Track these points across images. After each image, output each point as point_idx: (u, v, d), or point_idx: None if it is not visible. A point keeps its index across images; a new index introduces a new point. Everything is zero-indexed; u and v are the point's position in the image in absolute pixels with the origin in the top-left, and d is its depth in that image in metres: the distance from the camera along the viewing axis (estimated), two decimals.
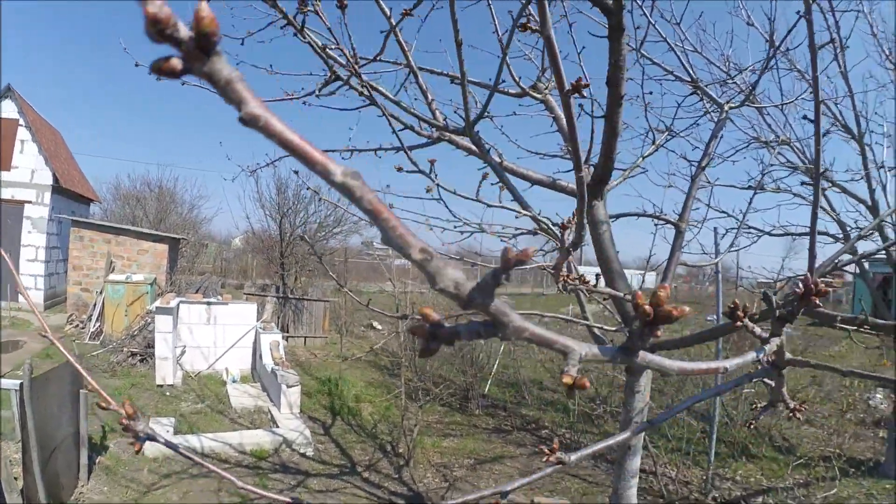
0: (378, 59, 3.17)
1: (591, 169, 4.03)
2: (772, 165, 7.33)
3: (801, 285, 1.11)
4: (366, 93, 3.07)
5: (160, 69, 0.39)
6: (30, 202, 17.81)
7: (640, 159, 4.17)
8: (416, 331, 0.58)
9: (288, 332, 16.00)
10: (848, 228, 7.74)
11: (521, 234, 3.76)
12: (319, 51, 2.93)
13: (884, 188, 7.46)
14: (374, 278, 28.42)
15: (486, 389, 11.86)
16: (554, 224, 4.07)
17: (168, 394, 10.22)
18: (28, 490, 5.02)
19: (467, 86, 2.32)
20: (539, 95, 4.14)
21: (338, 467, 8.01)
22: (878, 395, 11.58)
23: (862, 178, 7.61)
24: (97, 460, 6.96)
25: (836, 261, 3.31)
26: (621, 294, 3.60)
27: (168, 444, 1.06)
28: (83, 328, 14.87)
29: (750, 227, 6.77)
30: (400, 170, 3.16)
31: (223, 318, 12.30)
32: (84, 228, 16.95)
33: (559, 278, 2.28)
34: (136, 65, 3.41)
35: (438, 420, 10.20)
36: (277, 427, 8.87)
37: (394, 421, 9.96)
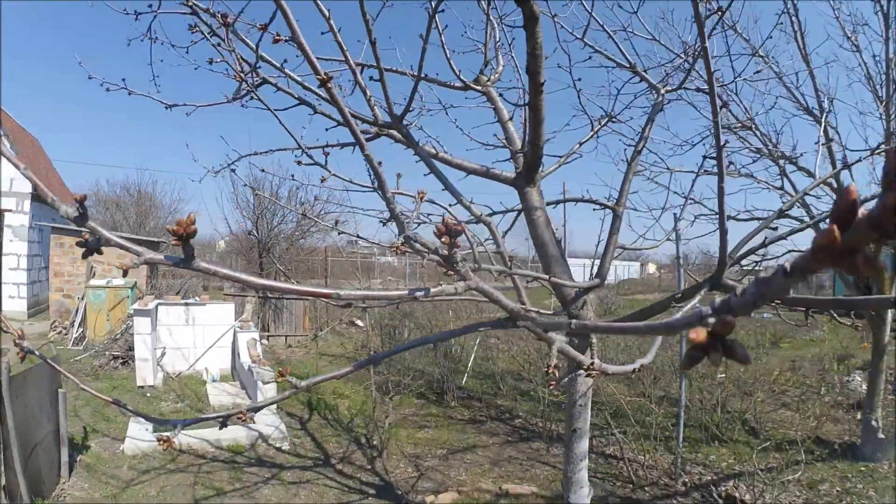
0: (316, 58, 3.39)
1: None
2: (733, 149, 7.54)
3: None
4: (294, 94, 3.29)
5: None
6: (10, 211, 17.92)
7: (577, 146, 4.40)
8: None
9: (269, 331, 16.25)
10: (813, 210, 7.65)
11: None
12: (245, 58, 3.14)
13: (848, 168, 7.26)
14: (360, 276, 28.50)
15: (464, 381, 12.14)
16: (490, 214, 4.36)
17: (149, 395, 10.47)
18: (10, 486, 5.27)
19: (386, 82, 2.52)
20: (480, 87, 4.38)
21: (312, 460, 8.28)
22: (857, 378, 11.70)
23: (826, 159, 7.54)
24: (78, 459, 7.23)
25: (749, 243, 3.52)
26: (547, 277, 3.63)
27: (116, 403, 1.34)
28: (66, 334, 15.05)
29: (712, 211, 6.73)
30: (299, 163, 3.37)
31: (202, 318, 12.54)
32: (65, 235, 17.07)
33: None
34: (90, 77, 3.66)
35: (414, 413, 10.48)
36: (254, 423, 9.13)
37: (369, 415, 10.21)
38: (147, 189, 29.61)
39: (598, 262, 4.07)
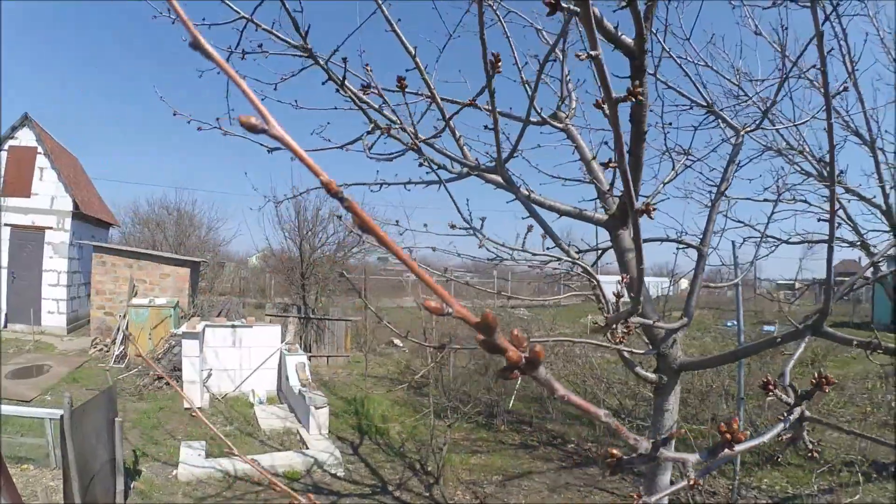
0: (406, 93, 3.28)
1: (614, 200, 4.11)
2: (790, 174, 7.32)
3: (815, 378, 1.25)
4: (409, 143, 3.16)
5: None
6: (50, 228, 18.08)
7: (661, 186, 4.23)
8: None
9: (311, 351, 16.11)
10: (862, 231, 7.54)
11: (550, 260, 3.82)
12: (359, 104, 3.03)
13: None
14: (392, 294, 28.48)
15: (510, 405, 11.87)
16: (579, 251, 4.15)
17: (196, 417, 10.34)
18: None
19: (498, 124, 2.38)
20: (560, 125, 4.20)
21: (369, 487, 8.05)
22: None
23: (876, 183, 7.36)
24: (132, 485, 7.06)
25: (853, 284, 3.38)
26: (650, 321, 3.66)
27: None
28: (107, 351, 15.05)
29: (768, 237, 6.55)
30: (453, 227, 3.25)
31: (248, 340, 12.43)
32: (106, 254, 17.19)
33: (614, 339, 2.37)
34: (174, 113, 3.52)
35: (465, 437, 10.21)
36: (307, 448, 8.94)
37: (421, 439, 9.99)
38: (186, 208, 29.87)
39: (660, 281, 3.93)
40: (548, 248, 3.30)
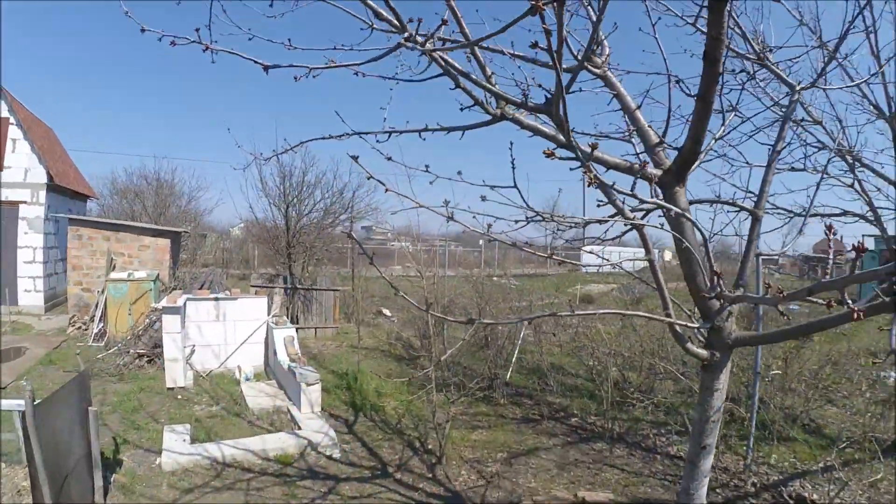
0: (435, 34, 2.69)
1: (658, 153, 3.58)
2: (805, 145, 7.04)
3: None
4: (440, 61, 2.57)
5: None
6: (24, 202, 17.35)
7: (713, 141, 3.78)
8: None
9: (298, 323, 15.55)
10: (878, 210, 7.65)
11: (591, 222, 3.27)
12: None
13: None
14: (378, 263, 27.89)
15: (508, 376, 11.42)
16: (641, 214, 3.60)
17: (180, 397, 9.75)
18: None
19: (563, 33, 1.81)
20: (598, 70, 3.67)
21: (368, 469, 7.55)
22: (892, 374, 11.62)
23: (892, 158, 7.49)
24: (112, 479, 6.49)
25: None
26: (714, 294, 3.31)
27: None
28: (86, 329, 14.38)
29: (778, 208, 6.64)
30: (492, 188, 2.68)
31: (233, 313, 11.82)
32: (82, 226, 16.40)
33: None
34: (143, 30, 2.88)
35: (463, 411, 9.73)
36: (300, 428, 8.42)
37: (418, 415, 9.53)
38: (166, 177, 28.72)
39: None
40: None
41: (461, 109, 2.90)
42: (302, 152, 17.80)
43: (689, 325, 3.46)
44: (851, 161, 7.50)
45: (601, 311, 3.73)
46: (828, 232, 2.37)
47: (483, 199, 2.79)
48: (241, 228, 37.86)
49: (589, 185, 2.44)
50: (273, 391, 10.30)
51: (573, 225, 3.20)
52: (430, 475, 7.51)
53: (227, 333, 11.73)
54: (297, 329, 12.63)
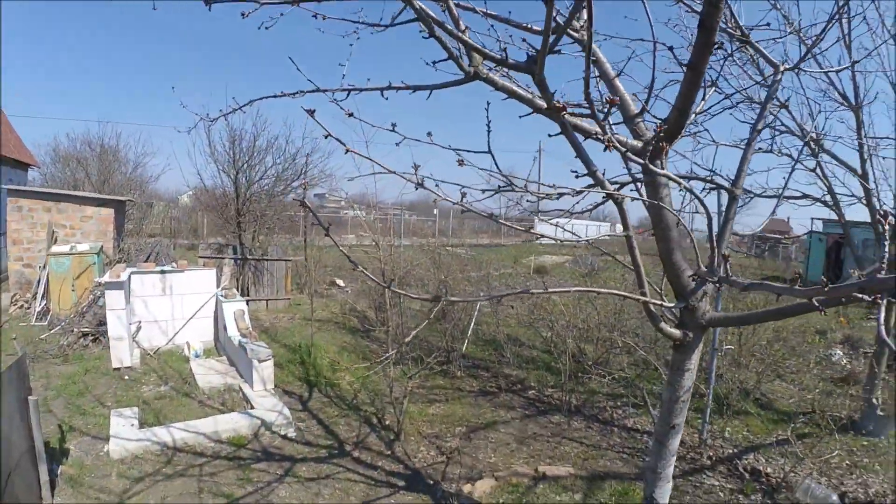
0: None
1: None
2: (771, 127, 7.22)
3: None
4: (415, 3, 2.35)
5: None
6: None
7: (693, 115, 3.65)
8: None
9: (248, 295, 15.19)
10: (837, 195, 8.29)
11: (565, 193, 3.14)
12: None
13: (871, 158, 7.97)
14: (331, 232, 27.50)
15: (465, 348, 11.35)
16: (612, 183, 3.47)
17: (127, 377, 9.35)
18: None
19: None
20: (576, 34, 3.50)
21: (325, 448, 7.38)
22: (837, 352, 12.37)
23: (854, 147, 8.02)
24: (59, 471, 6.16)
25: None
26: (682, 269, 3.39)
27: None
28: (28, 308, 13.74)
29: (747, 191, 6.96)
30: (460, 160, 2.47)
31: (180, 286, 11.39)
32: (22, 198, 15.43)
33: None
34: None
35: (420, 385, 9.58)
36: (252, 407, 8.18)
37: (374, 389, 9.38)
38: (111, 143, 27.40)
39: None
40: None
41: (433, 63, 2.70)
42: (253, 115, 17.22)
43: (665, 304, 3.37)
44: (815, 147, 7.79)
45: (575, 289, 3.60)
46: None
47: (461, 163, 2.62)
48: (189, 196, 36.78)
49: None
50: (224, 368, 10.00)
51: (545, 196, 3.05)
52: (389, 452, 7.40)
53: (174, 308, 11.32)
54: (247, 301, 12.31)
